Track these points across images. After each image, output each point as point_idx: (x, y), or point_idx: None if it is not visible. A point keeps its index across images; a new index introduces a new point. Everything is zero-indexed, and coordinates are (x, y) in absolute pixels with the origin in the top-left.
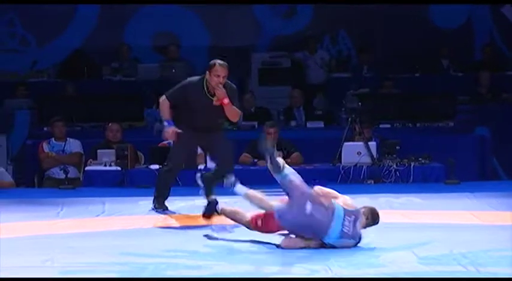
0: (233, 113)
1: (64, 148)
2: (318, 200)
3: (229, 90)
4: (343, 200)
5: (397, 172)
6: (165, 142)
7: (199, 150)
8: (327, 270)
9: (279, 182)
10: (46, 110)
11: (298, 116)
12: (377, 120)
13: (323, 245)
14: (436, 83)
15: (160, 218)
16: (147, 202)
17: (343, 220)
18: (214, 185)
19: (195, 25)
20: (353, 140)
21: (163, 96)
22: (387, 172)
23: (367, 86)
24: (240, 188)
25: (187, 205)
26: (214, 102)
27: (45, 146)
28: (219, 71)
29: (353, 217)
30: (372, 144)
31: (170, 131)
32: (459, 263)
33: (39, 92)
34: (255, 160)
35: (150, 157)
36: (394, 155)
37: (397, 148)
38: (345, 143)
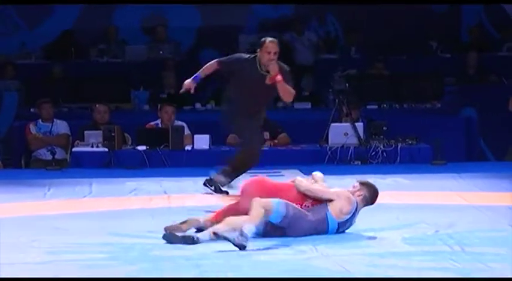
0: (287, 91)
1: (51, 129)
2: (314, 224)
3: (283, 69)
4: (338, 208)
5: (384, 153)
6: (152, 123)
7: (186, 130)
8: (313, 250)
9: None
10: (33, 92)
11: None
12: (364, 102)
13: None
14: (424, 65)
15: (147, 200)
16: (134, 183)
17: (337, 230)
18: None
19: (184, 6)
20: (340, 121)
21: (214, 60)
22: (374, 152)
23: (355, 68)
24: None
25: (175, 186)
26: (268, 80)
27: (32, 128)
28: (269, 48)
29: (348, 223)
30: (359, 125)
31: (187, 83)
32: (445, 243)
33: (27, 74)
34: None
35: (137, 138)
36: (381, 136)
37: (384, 128)
38: (332, 124)
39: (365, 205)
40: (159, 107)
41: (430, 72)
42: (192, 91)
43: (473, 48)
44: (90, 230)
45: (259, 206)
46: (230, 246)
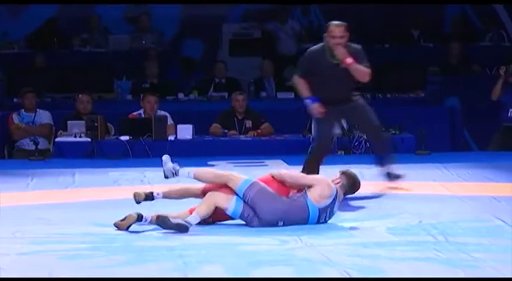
0: (360, 72)
1: (34, 119)
2: (291, 214)
3: (353, 50)
4: (318, 194)
5: (368, 143)
6: (135, 113)
7: (169, 120)
8: (297, 240)
9: (243, 199)
10: (16, 82)
11: (269, 87)
12: None
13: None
14: (407, 54)
15: (130, 190)
16: (117, 173)
17: (318, 218)
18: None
19: None
20: None
21: (295, 76)
22: (357, 143)
23: None
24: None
25: (158, 176)
26: (339, 65)
27: (15, 118)
28: (333, 31)
29: (328, 209)
30: None
31: (315, 108)
32: (429, 234)
33: (9, 64)
34: (225, 131)
35: (120, 128)
36: None
37: None
38: None
39: (345, 194)
40: (141, 96)
41: (413, 62)
42: (321, 114)
43: (456, 38)
44: (73, 220)
45: (211, 199)
46: (214, 237)
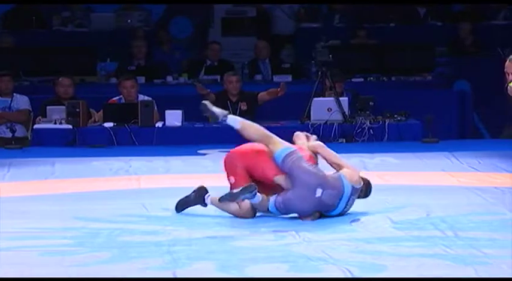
0: None
1: (10, 104)
2: (329, 184)
3: None
4: (350, 174)
5: (371, 130)
6: (115, 99)
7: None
8: (295, 235)
9: (279, 166)
10: None
11: (264, 70)
12: (349, 74)
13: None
14: (413, 34)
15: (115, 181)
16: (101, 163)
17: (349, 199)
18: None
19: None
20: (323, 96)
21: None
22: (360, 130)
23: (339, 37)
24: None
25: (145, 166)
26: None
27: None
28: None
29: (357, 194)
30: (344, 99)
31: None
32: (437, 228)
33: None
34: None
35: (104, 114)
36: (368, 112)
37: (370, 103)
38: (315, 99)
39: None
40: (118, 82)
41: (420, 42)
42: None
43: (467, 17)
44: (53, 214)
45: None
46: (206, 231)
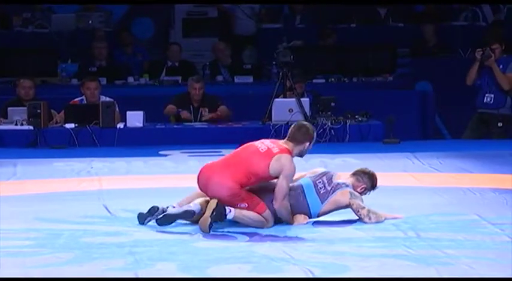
0: None
1: None
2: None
3: None
4: (311, 171)
5: (332, 131)
6: (76, 100)
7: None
8: (257, 236)
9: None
10: None
11: (225, 71)
12: (310, 75)
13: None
14: (374, 35)
15: (76, 182)
16: (63, 164)
17: (314, 187)
18: None
19: None
20: (284, 96)
21: None
22: (321, 130)
23: (300, 38)
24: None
25: (106, 167)
26: None
27: None
28: None
29: (324, 177)
30: (305, 100)
31: None
32: (398, 229)
33: None
34: (179, 110)
35: (65, 115)
36: (329, 113)
37: (332, 104)
38: (276, 100)
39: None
40: (81, 83)
41: (382, 43)
42: None
43: (428, 18)
44: (14, 215)
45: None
46: (168, 234)
